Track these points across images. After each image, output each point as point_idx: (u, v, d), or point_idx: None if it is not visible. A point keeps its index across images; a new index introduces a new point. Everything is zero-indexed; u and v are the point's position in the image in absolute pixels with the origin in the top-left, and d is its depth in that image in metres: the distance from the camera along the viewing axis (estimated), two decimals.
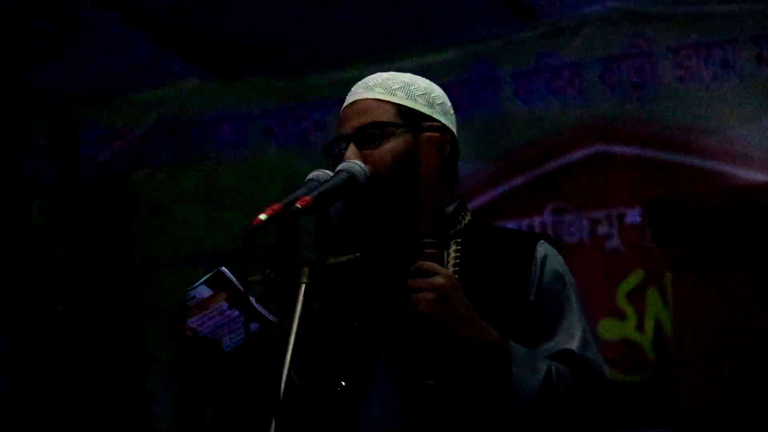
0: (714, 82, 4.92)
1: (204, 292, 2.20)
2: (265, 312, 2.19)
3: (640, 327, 4.98)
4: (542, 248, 2.34)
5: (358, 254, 2.20)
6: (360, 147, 2.32)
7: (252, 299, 2.17)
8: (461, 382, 2.18)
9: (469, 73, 5.30)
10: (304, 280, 2.09)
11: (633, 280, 5.00)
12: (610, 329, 5.01)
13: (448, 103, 2.43)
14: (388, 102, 2.35)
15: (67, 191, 6.08)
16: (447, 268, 2.28)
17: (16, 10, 5.07)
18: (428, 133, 2.25)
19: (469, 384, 2.18)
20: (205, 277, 2.20)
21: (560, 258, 2.36)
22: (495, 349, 2.17)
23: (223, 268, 2.20)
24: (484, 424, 2.19)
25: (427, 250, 2.18)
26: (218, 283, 2.19)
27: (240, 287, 2.17)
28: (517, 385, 2.15)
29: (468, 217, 2.41)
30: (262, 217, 2.09)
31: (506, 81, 5.30)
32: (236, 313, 2.18)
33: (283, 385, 1.98)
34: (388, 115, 2.33)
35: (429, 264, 2.16)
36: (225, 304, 2.20)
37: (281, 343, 2.07)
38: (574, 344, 2.26)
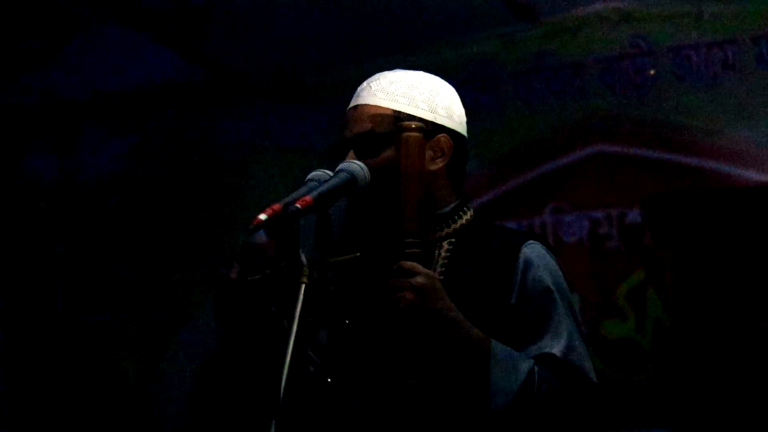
0: (714, 82, 4.92)
1: (260, 237, 2.17)
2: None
3: (640, 327, 4.98)
4: (528, 250, 2.31)
5: (358, 254, 2.20)
6: (359, 155, 2.31)
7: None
8: (442, 381, 2.18)
9: (469, 73, 5.30)
10: (304, 280, 2.09)
11: (633, 280, 5.00)
12: (610, 329, 5.01)
13: (456, 105, 2.40)
14: (388, 109, 2.33)
15: (67, 191, 6.08)
16: (436, 267, 2.28)
17: (16, 10, 5.07)
18: (407, 133, 2.25)
19: (450, 383, 2.18)
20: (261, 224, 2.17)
21: (549, 260, 2.33)
22: (475, 348, 2.17)
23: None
24: (466, 423, 2.19)
25: (408, 250, 2.18)
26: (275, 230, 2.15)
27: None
28: (494, 385, 2.15)
29: (467, 216, 2.39)
30: (262, 217, 2.09)
31: (506, 81, 5.30)
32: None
33: (283, 385, 1.98)
34: (386, 124, 2.32)
35: (409, 263, 2.16)
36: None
37: (281, 343, 2.07)
38: (557, 348, 2.24)
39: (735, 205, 4.63)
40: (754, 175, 4.81)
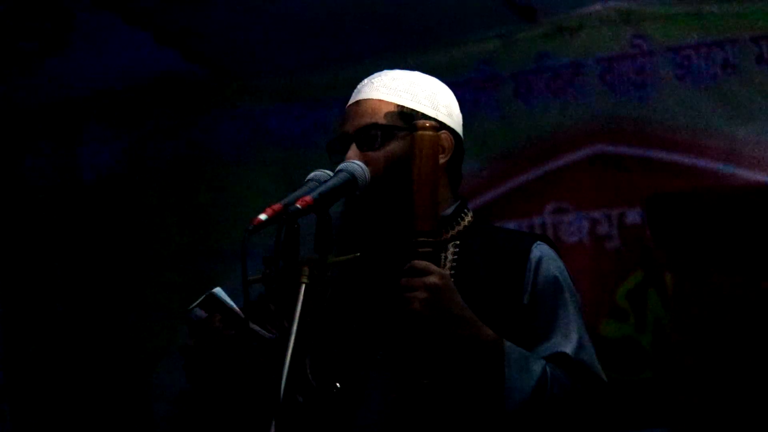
0: (714, 82, 4.92)
1: (200, 313, 2.22)
2: (261, 331, 2.20)
3: (640, 327, 4.98)
4: (538, 250, 2.32)
5: (358, 254, 2.20)
6: (361, 148, 2.32)
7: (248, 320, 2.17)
8: (455, 382, 2.18)
9: (469, 73, 5.30)
10: (304, 280, 2.09)
11: (633, 280, 5.00)
12: (610, 329, 5.00)
13: (455, 105, 2.42)
14: (392, 103, 2.34)
15: (67, 191, 6.07)
16: (444, 269, 2.27)
17: (16, 9, 5.07)
18: (421, 132, 2.24)
19: (463, 383, 2.18)
20: (200, 299, 2.22)
21: (558, 260, 2.34)
22: (489, 348, 2.17)
23: (217, 289, 2.21)
24: (479, 424, 2.19)
25: (421, 249, 2.17)
26: (211, 305, 2.20)
27: (234, 308, 2.18)
28: (509, 386, 2.15)
29: (468, 218, 2.40)
30: (262, 217, 2.09)
31: (506, 81, 5.29)
32: (231, 333, 2.20)
33: (283, 385, 1.98)
34: (390, 117, 2.33)
35: (422, 263, 2.16)
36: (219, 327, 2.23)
37: (281, 344, 2.07)
38: (569, 347, 2.25)
39: (735, 205, 4.63)
40: (754, 175, 4.81)
